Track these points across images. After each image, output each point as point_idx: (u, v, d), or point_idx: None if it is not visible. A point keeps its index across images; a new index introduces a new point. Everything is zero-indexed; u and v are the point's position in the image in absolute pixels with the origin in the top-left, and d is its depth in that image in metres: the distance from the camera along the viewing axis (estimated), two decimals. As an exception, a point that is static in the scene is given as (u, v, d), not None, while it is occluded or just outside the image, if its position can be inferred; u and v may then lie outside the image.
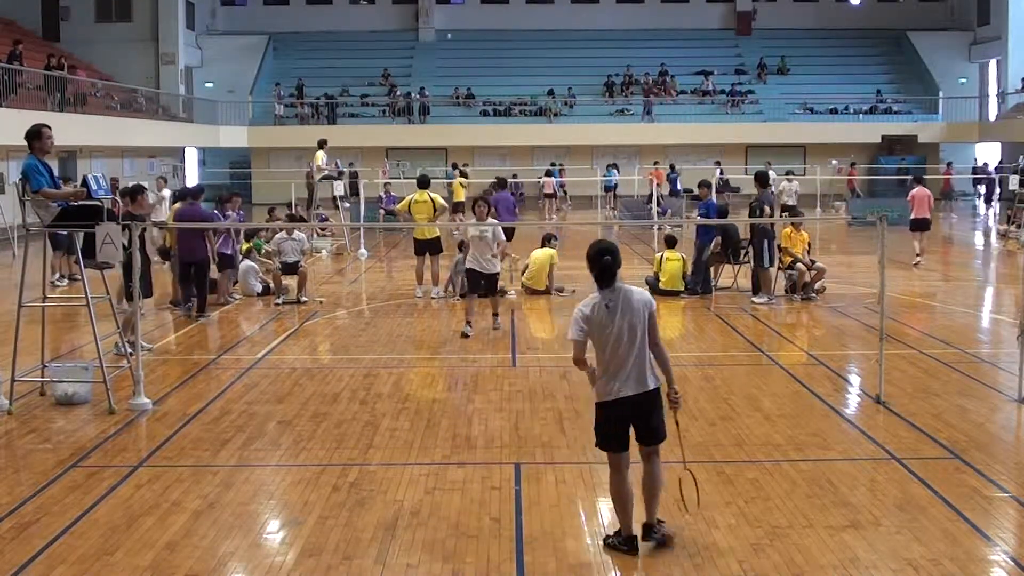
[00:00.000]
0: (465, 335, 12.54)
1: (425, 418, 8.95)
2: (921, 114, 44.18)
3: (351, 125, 42.23)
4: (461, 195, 27.30)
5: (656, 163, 36.77)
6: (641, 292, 6.13)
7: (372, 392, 9.97)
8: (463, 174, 30.39)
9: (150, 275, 13.38)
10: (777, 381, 10.38)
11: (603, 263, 5.97)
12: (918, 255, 19.61)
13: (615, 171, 37.32)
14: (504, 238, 13.47)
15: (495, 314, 13.12)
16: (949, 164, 39.27)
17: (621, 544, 6.01)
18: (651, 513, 6.06)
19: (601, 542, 6.12)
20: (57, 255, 17.07)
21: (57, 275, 17.51)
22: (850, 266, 19.64)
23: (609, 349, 5.96)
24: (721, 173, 36.93)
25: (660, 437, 6.06)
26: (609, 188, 36.41)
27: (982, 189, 38.98)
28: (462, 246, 15.91)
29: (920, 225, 19.93)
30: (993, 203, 36.43)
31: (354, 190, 25.11)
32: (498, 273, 13.26)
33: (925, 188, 20.79)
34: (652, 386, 5.99)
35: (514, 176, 40.73)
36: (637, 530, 6.04)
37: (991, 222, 32.05)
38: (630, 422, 6.02)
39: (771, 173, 32.24)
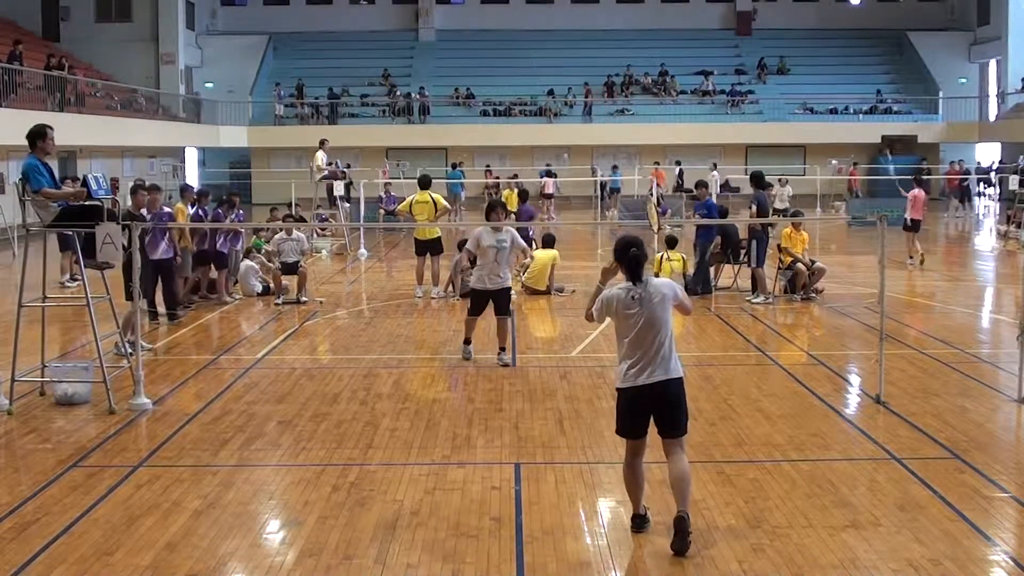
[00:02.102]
0: (467, 358, 11.28)
1: (425, 418, 8.95)
2: (921, 114, 44.15)
3: (351, 125, 42.21)
4: (514, 203, 25.97)
5: (657, 163, 36.79)
6: (668, 283, 6.32)
7: (372, 392, 9.97)
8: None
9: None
10: (777, 381, 10.38)
11: (631, 256, 6.09)
12: (921, 253, 19.69)
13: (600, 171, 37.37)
14: (524, 244, 11.98)
15: (502, 348, 11.16)
16: (952, 163, 39.00)
17: (630, 523, 6.22)
18: (684, 505, 5.93)
19: (602, 541, 6.13)
20: (66, 255, 16.98)
21: (67, 276, 17.44)
22: (850, 266, 19.62)
23: (634, 336, 6.05)
24: (680, 175, 37.22)
25: (681, 429, 6.11)
26: (615, 189, 36.38)
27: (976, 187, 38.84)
28: (462, 245, 15.79)
29: (915, 226, 20.04)
30: (970, 203, 36.25)
31: (349, 196, 24.90)
32: (510, 288, 11.37)
33: (923, 190, 20.84)
34: (676, 374, 6.08)
35: (515, 176, 40.67)
36: (657, 524, 6.05)
37: (967, 222, 32.10)
38: (652, 410, 6.08)
39: (714, 175, 32.72)
